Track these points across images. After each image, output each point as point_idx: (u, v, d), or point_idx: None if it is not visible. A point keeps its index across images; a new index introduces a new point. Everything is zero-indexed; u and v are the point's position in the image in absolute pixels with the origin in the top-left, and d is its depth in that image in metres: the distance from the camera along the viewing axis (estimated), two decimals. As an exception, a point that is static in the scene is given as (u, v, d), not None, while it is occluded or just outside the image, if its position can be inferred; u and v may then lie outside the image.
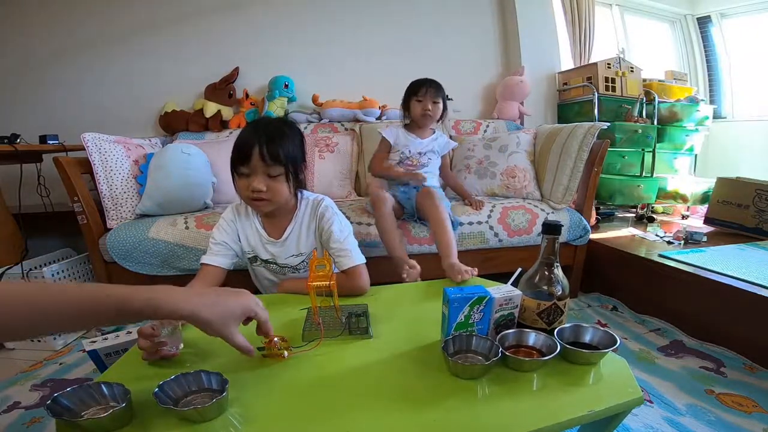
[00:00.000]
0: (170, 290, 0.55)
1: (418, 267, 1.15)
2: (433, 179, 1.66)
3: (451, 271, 1.05)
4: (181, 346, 0.71)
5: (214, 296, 0.59)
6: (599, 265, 1.78)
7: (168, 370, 0.65)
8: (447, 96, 2.38)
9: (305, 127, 2.17)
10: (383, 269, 1.19)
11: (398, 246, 1.36)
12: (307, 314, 0.84)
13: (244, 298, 0.63)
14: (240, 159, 0.93)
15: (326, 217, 1.04)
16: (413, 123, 1.65)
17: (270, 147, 0.91)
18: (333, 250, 1.01)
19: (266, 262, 1.08)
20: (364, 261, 1.02)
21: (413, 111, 1.60)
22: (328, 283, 0.75)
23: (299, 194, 1.06)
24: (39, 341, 1.41)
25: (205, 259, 1.00)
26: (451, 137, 2.16)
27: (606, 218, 2.32)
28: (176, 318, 0.58)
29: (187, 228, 1.46)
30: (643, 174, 2.39)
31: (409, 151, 1.62)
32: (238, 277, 1.14)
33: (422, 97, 1.57)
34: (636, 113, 2.40)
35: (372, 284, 1.00)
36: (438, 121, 1.65)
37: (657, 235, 1.92)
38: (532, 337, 0.67)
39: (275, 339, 0.67)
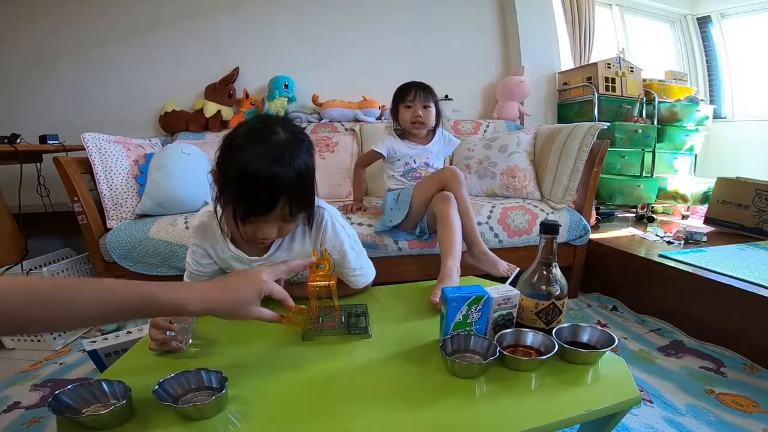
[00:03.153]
0: (185, 286, 0.60)
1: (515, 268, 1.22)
2: None
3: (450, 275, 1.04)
4: (190, 341, 0.73)
5: (223, 286, 0.60)
6: (599, 265, 1.78)
7: (168, 369, 0.65)
8: (446, 96, 2.38)
9: (305, 127, 2.17)
10: (383, 270, 1.19)
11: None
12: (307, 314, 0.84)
13: (254, 280, 0.62)
14: (253, 210, 0.69)
15: (333, 234, 0.87)
16: (405, 131, 1.51)
17: (297, 201, 0.71)
18: (347, 271, 0.90)
19: None
20: (374, 272, 0.99)
21: (402, 119, 1.46)
22: (328, 283, 0.74)
23: None
24: (39, 341, 1.41)
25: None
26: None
27: (606, 218, 2.32)
28: (192, 314, 0.58)
29: (187, 228, 1.45)
30: (643, 174, 2.39)
31: (415, 162, 1.49)
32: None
33: (411, 102, 1.43)
34: (636, 113, 2.40)
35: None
36: (435, 127, 1.52)
37: (657, 235, 1.92)
38: (531, 337, 0.68)
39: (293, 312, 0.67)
